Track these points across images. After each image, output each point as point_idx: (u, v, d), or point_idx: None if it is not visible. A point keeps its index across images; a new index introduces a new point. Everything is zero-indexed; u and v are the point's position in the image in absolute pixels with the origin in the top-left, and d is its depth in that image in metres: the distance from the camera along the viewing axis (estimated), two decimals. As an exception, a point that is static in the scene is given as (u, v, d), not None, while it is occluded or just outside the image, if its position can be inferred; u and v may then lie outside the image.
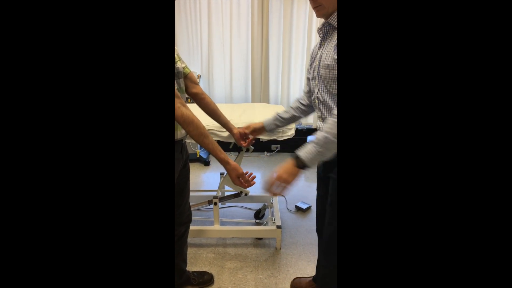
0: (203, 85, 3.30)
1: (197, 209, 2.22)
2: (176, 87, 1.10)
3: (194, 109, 1.41)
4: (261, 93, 3.22)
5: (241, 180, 1.02)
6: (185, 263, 1.51)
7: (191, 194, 2.14)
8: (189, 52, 3.24)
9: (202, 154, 3.22)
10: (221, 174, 2.25)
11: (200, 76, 3.26)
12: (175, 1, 3.02)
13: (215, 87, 3.31)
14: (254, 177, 1.05)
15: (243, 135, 1.44)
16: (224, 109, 1.70)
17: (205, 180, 2.85)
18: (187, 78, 1.25)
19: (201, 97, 1.30)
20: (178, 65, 1.14)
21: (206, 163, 3.16)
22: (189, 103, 2.01)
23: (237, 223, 2.06)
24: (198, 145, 1.71)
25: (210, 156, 3.42)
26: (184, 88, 1.20)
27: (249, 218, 2.16)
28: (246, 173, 1.04)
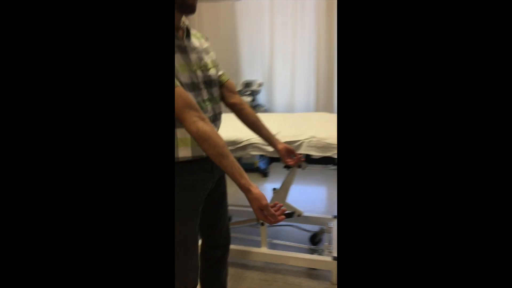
0: (263, 93, 3.18)
1: (249, 225, 2.07)
2: (202, 98, 0.96)
3: (234, 121, 1.26)
4: (326, 101, 2.95)
5: (265, 213, 0.81)
6: (224, 290, 1.36)
7: (239, 208, 2.00)
8: (250, 58, 3.16)
9: (262, 164, 3.08)
10: (274, 189, 2.06)
11: (262, 83, 3.15)
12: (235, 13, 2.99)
13: (276, 95, 3.16)
14: (283, 211, 0.83)
15: (290, 151, 1.23)
16: (273, 120, 1.52)
17: (261, 193, 2.69)
18: (224, 87, 1.11)
19: (240, 108, 1.14)
20: (211, 72, 1.01)
21: (265, 174, 3.01)
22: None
23: (288, 248, 1.83)
24: (257, 155, 1.51)
25: (271, 165, 3.25)
26: (218, 98, 1.06)
27: (303, 242, 1.91)
28: (275, 204, 0.83)
